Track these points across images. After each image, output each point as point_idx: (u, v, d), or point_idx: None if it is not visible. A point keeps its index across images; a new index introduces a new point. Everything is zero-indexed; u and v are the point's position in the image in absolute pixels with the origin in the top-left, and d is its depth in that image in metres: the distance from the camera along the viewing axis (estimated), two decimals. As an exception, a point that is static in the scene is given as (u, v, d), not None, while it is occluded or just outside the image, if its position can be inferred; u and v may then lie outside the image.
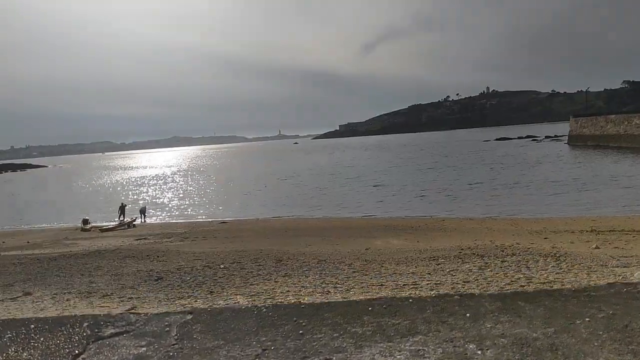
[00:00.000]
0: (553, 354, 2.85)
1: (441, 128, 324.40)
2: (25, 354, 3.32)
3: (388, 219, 24.56)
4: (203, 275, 9.17)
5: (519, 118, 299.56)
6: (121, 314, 4.11)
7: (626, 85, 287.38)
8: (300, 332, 3.42)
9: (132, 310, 5.29)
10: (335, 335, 3.32)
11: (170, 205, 39.98)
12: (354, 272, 9.07)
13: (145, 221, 30.11)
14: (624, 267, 7.91)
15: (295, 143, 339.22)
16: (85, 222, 26.84)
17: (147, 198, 45.85)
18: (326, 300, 4.71)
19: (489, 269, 8.58)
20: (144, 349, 3.32)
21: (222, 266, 10.33)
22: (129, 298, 7.19)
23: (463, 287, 6.81)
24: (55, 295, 7.53)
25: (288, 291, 7.27)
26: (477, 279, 7.45)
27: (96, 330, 3.68)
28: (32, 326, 3.80)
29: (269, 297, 6.86)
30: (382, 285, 7.47)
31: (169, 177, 77.11)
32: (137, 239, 19.40)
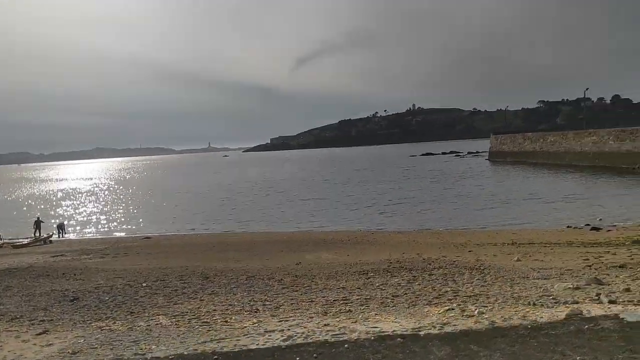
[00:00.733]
0: None
1: (371, 143, 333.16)
2: None
3: (319, 233, 24.61)
4: (123, 295, 8.66)
5: (444, 134, 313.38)
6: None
7: (542, 105, 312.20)
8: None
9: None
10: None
11: (90, 220, 38.05)
12: (284, 288, 8.88)
13: (63, 237, 28.46)
14: (544, 279, 8.26)
15: (225, 156, 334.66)
16: (-5, 238, 24.90)
17: (66, 213, 43.37)
18: (245, 347, 4.31)
19: (417, 283, 8.68)
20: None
21: (144, 284, 9.81)
22: (40, 321, 6.61)
23: (392, 302, 6.80)
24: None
25: (215, 310, 6.96)
26: (406, 293, 7.49)
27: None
28: None
29: (193, 316, 6.52)
30: (312, 301, 7.33)
31: (90, 190, 73.30)
32: (53, 256, 18.21)
